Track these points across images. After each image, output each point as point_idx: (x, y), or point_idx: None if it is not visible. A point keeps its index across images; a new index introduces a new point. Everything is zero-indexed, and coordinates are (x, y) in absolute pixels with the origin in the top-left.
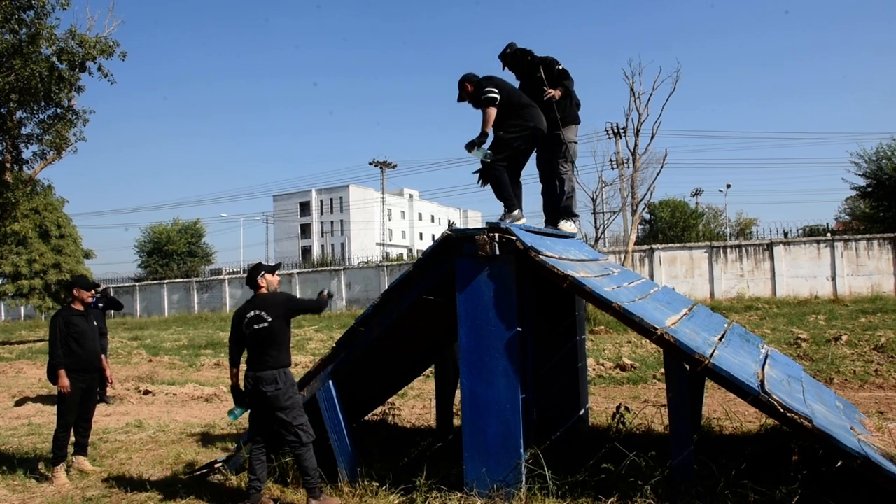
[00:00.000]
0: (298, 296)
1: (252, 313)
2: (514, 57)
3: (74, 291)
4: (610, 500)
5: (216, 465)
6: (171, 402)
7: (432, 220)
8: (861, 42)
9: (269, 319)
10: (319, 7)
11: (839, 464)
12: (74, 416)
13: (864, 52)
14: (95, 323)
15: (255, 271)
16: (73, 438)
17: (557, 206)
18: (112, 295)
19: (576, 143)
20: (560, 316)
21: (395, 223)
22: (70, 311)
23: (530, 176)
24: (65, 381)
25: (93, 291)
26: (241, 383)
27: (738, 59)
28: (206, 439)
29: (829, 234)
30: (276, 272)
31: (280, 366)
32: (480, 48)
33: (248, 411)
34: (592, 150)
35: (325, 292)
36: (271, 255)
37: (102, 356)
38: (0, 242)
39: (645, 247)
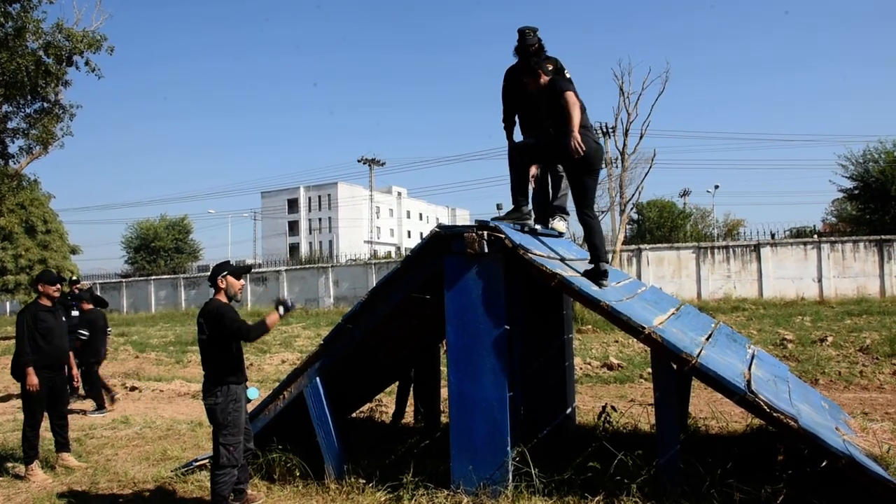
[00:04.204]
0: (286, 293)
1: (199, 320)
2: (526, 38)
3: (39, 287)
4: (596, 499)
5: (202, 462)
6: (158, 398)
7: (420, 217)
8: (850, 45)
9: (206, 335)
10: (319, 7)
11: (824, 464)
12: (42, 414)
13: (854, 56)
14: (66, 319)
15: (217, 270)
16: (53, 437)
17: (550, 203)
18: (97, 292)
19: None
20: (548, 315)
21: (383, 221)
22: (37, 307)
23: None
24: (33, 378)
25: (58, 285)
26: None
27: (728, 61)
28: (193, 435)
29: (815, 236)
30: (243, 276)
31: (221, 382)
32: (474, 38)
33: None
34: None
35: (280, 303)
36: (259, 252)
37: (71, 353)
38: None
39: (633, 247)
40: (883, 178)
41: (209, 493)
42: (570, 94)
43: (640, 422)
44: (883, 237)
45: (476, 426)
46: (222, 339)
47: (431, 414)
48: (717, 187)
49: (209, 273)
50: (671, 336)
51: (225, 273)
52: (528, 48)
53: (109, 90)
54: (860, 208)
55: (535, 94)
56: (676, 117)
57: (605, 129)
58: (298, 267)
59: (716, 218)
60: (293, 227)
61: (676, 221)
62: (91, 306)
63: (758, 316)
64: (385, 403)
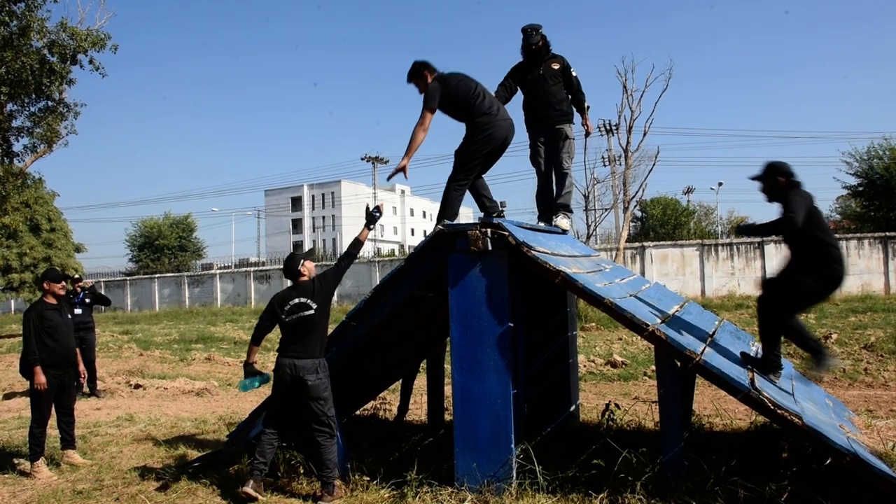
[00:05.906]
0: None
1: (297, 300)
2: (529, 37)
3: (45, 285)
4: (600, 496)
5: (206, 459)
6: (162, 396)
7: (424, 215)
8: (853, 43)
9: (315, 307)
10: (320, 7)
11: (828, 461)
12: (49, 412)
13: (856, 54)
14: (70, 317)
15: (293, 261)
16: (59, 434)
17: (554, 201)
18: (100, 291)
19: (573, 139)
20: (551, 312)
21: (386, 219)
22: (43, 306)
23: (523, 172)
24: (41, 378)
25: (63, 283)
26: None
27: (730, 58)
28: (197, 433)
29: None
30: (310, 258)
31: (321, 355)
32: (476, 38)
33: (263, 387)
34: (585, 147)
35: (369, 217)
36: (262, 250)
37: (78, 350)
38: None
39: (636, 244)
40: (887, 174)
41: (212, 488)
42: (425, 115)
43: (644, 419)
44: (887, 234)
45: (480, 423)
46: (329, 303)
47: (435, 411)
48: (720, 184)
49: (284, 267)
50: (675, 333)
51: (302, 260)
52: (531, 46)
53: (113, 88)
54: (864, 205)
55: (535, 83)
56: (680, 114)
57: (608, 127)
58: None
59: (719, 215)
60: (297, 225)
61: (680, 219)
62: None
63: None
64: (389, 401)
